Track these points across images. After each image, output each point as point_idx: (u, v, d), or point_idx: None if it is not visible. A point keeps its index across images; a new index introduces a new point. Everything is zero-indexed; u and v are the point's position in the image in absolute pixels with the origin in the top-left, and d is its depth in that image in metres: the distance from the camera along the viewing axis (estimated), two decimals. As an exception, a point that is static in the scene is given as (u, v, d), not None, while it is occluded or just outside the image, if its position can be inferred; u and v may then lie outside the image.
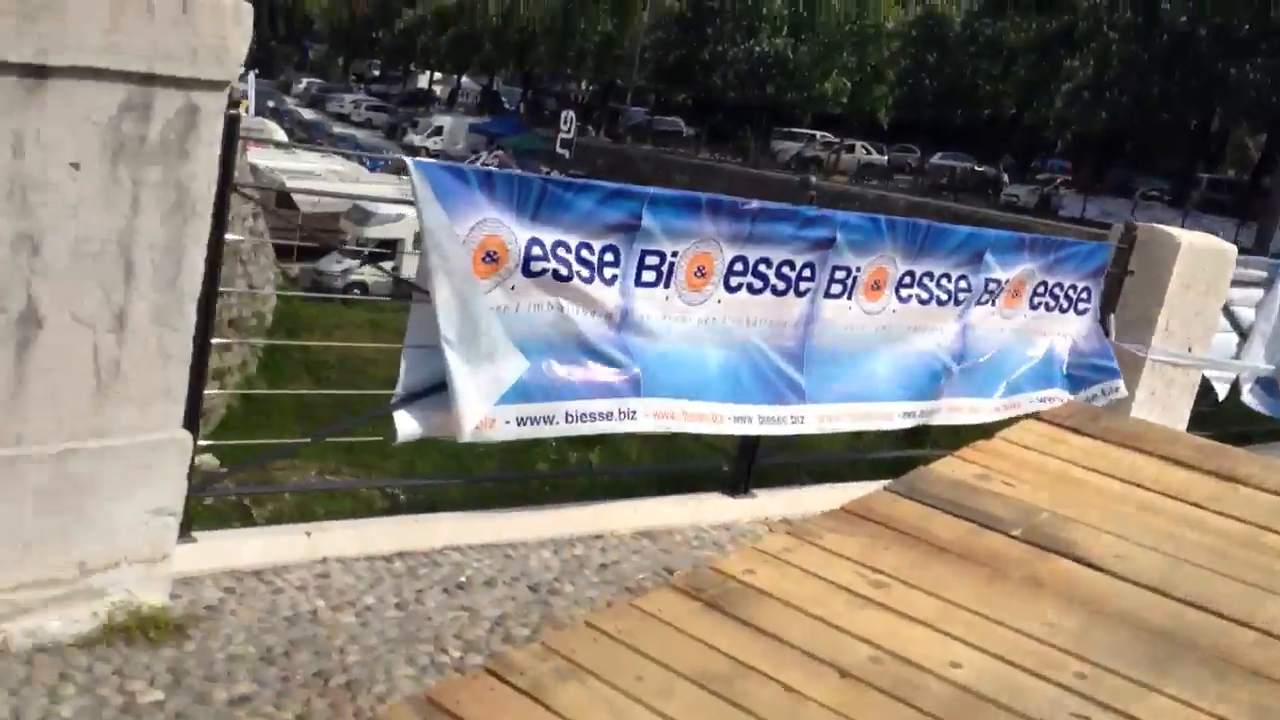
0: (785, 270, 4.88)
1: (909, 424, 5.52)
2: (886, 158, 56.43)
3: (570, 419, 4.38)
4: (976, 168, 52.99)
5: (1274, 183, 18.05)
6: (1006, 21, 51.06)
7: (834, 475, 5.64)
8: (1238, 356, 7.02)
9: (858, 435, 5.71)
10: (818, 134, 58.34)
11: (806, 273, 4.94)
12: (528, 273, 4.17)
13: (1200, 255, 6.34)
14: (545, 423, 4.33)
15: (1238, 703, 2.20)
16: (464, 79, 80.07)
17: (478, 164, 29.18)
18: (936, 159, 55.38)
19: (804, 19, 56.25)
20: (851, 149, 55.89)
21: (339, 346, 11.95)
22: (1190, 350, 6.39)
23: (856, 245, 5.04)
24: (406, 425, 4.11)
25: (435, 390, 4.16)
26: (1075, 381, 6.04)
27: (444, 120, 59.30)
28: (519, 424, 4.25)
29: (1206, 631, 2.44)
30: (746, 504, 5.21)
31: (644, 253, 4.47)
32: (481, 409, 4.09)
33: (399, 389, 4.15)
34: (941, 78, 54.22)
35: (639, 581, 4.19)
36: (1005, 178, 52.13)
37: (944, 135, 57.27)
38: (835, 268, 5.01)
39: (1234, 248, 6.72)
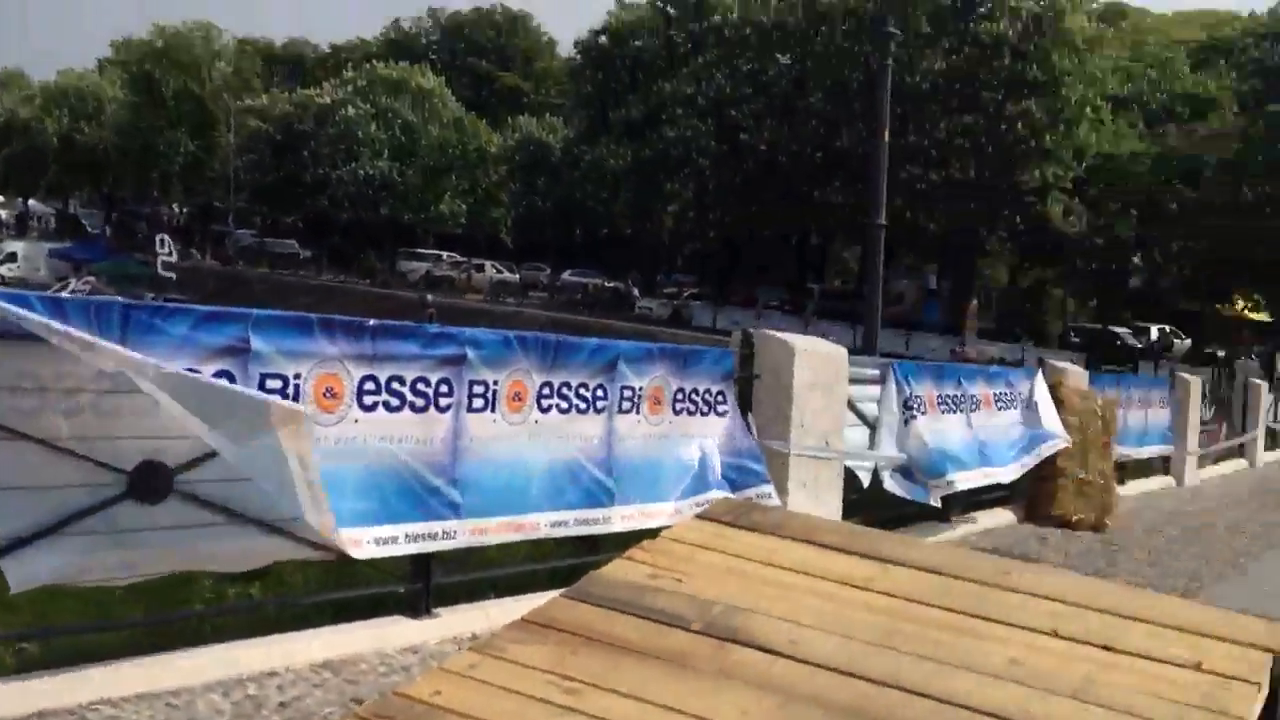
0: (421, 387, 4.91)
1: (562, 533, 5.58)
2: (519, 275, 58.70)
3: None
4: (607, 283, 56.02)
5: (868, 290, 21.29)
6: (603, 148, 54.81)
7: (521, 587, 5.58)
8: (872, 448, 7.63)
9: (537, 545, 5.74)
10: (444, 254, 59.80)
11: (444, 389, 4.99)
12: None
13: (815, 357, 6.89)
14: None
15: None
16: (32, 201, 75.45)
17: (66, 292, 27.30)
18: (567, 275, 58.09)
19: (403, 144, 57.95)
20: (482, 268, 57.82)
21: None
22: (827, 444, 6.87)
23: (489, 360, 5.18)
24: (21, 573, 3.73)
25: (50, 532, 3.81)
26: (732, 485, 6.33)
27: (17, 246, 54.40)
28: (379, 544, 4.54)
29: (891, 706, 2.60)
30: (431, 625, 5.09)
31: (263, 376, 4.32)
32: (331, 520, 4.10)
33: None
34: (553, 199, 57.29)
35: (326, 717, 3.96)
36: (636, 292, 55.32)
37: (570, 253, 60.23)
38: (473, 382, 5.11)
39: (844, 349, 7.33)
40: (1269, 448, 19.81)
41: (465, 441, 5.07)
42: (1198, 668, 2.85)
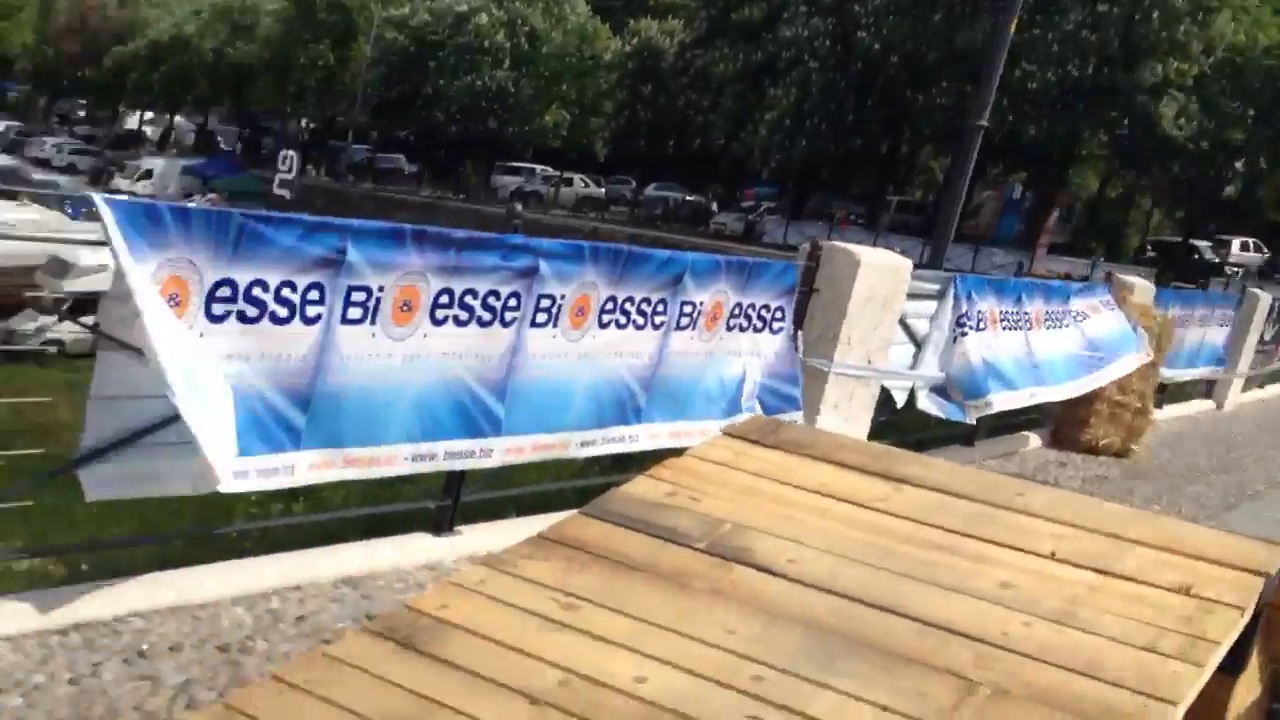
0: (491, 301, 4.70)
1: (589, 452, 5.42)
2: (604, 190, 57.13)
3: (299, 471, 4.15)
4: (688, 198, 54.14)
5: (948, 198, 19.65)
6: (716, 52, 52.09)
7: (546, 506, 5.45)
8: (914, 366, 7.44)
9: (566, 465, 5.66)
10: (538, 168, 58.30)
11: (512, 302, 4.78)
12: (212, 316, 3.90)
13: (878, 271, 6.58)
14: (285, 473, 4.10)
15: (900, 691, 2.32)
16: (178, 118, 75.84)
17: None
18: (651, 190, 56.24)
19: (525, 52, 55.47)
20: (570, 182, 56.36)
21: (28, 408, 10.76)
22: (870, 362, 6.70)
23: (560, 273, 4.93)
24: (97, 483, 3.82)
25: (129, 442, 3.88)
26: (766, 408, 6.13)
27: (154, 163, 54.64)
28: (259, 476, 4.00)
29: (870, 625, 2.57)
30: (452, 542, 5.01)
31: (350, 289, 4.20)
32: (230, 457, 3.81)
33: (84, 443, 3.85)
34: (655, 109, 54.99)
35: (337, 631, 3.96)
36: (714, 206, 53.49)
37: (657, 167, 58.37)
38: (540, 296, 4.88)
39: (909, 262, 7.01)
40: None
41: (521, 358, 4.88)
42: (1186, 591, 2.77)
